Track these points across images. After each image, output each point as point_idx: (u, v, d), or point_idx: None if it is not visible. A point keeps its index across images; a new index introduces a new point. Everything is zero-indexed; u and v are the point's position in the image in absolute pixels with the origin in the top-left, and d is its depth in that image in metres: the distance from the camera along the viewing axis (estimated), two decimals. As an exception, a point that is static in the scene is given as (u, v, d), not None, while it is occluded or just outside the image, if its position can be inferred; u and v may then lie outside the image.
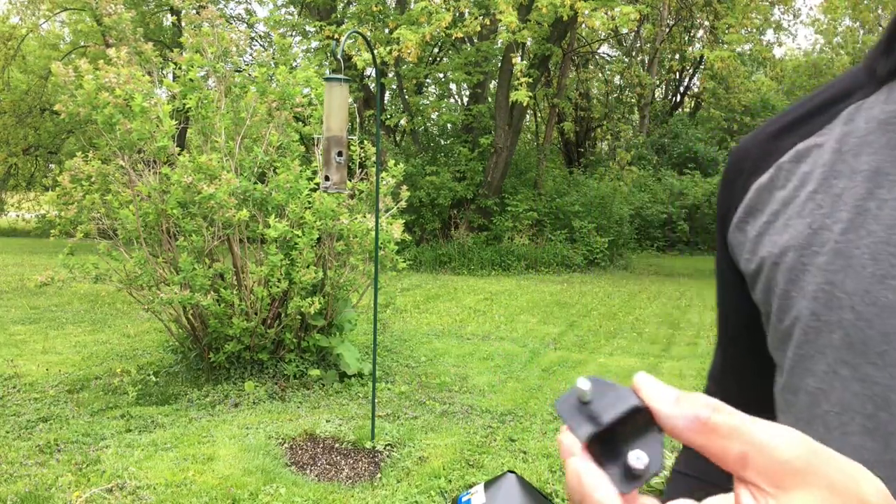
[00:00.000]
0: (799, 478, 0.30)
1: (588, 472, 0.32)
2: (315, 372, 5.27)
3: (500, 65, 14.96)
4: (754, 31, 17.12)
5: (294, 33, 15.47)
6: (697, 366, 6.37)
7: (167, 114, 4.97)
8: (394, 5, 15.82)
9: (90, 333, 7.35)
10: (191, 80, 5.30)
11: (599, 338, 7.66)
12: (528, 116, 20.87)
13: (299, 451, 4.05)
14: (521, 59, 13.61)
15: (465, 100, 20.27)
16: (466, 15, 12.50)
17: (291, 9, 17.21)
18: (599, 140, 25.67)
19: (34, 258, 14.78)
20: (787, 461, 0.31)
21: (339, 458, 4.01)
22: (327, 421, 4.45)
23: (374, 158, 5.76)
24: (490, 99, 16.72)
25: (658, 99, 25.58)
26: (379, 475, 3.80)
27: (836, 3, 12.86)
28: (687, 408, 0.32)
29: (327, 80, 3.76)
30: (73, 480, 3.52)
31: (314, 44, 14.73)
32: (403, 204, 5.98)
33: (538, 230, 15.39)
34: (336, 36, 13.04)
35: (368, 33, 13.48)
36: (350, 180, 5.53)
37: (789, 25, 33.12)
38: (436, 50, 18.20)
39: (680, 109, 25.98)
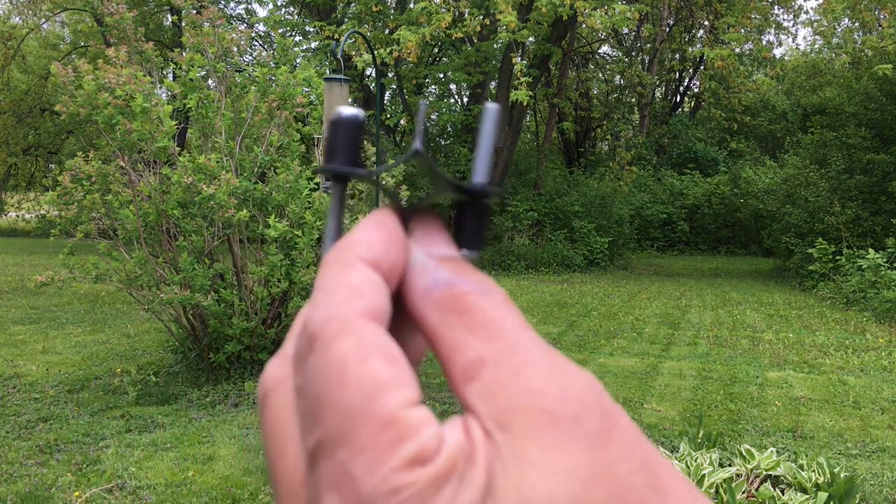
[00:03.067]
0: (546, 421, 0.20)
1: None
2: (315, 372, 5.27)
3: (500, 65, 14.96)
4: (754, 31, 17.13)
5: (294, 33, 15.49)
6: (697, 366, 6.37)
7: (167, 114, 4.97)
8: (394, 5, 15.83)
9: (90, 333, 7.35)
10: (191, 79, 5.30)
11: (599, 338, 7.66)
12: (528, 116, 20.87)
13: (299, 451, 4.05)
14: (521, 59, 13.61)
15: (465, 100, 20.28)
16: (466, 15, 12.51)
17: (291, 9, 17.23)
18: (599, 140, 25.68)
19: (34, 258, 14.78)
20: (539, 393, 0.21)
21: (339, 458, 4.01)
22: (327, 421, 4.45)
23: (373, 158, 5.76)
24: (490, 99, 16.72)
25: (658, 99, 25.59)
26: (379, 475, 3.79)
27: (834, 4, 12.86)
28: (449, 269, 0.24)
29: (328, 80, 3.76)
30: (73, 480, 3.52)
31: (314, 44, 14.74)
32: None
33: (538, 230, 15.40)
34: (336, 36, 13.04)
35: (368, 33, 13.48)
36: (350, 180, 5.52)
37: (789, 25, 33.12)
38: (436, 50, 18.21)
39: (680, 109, 25.99)
